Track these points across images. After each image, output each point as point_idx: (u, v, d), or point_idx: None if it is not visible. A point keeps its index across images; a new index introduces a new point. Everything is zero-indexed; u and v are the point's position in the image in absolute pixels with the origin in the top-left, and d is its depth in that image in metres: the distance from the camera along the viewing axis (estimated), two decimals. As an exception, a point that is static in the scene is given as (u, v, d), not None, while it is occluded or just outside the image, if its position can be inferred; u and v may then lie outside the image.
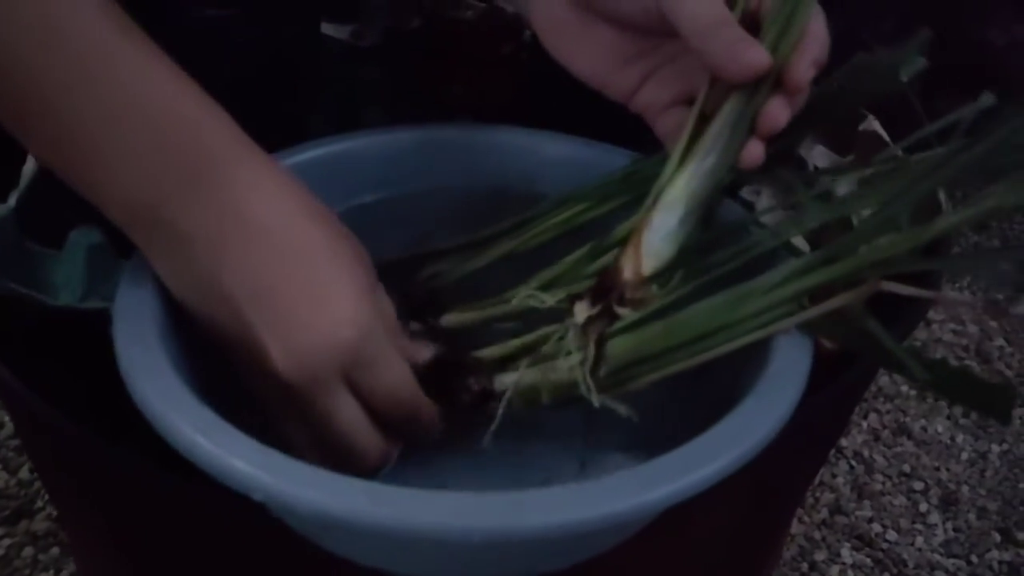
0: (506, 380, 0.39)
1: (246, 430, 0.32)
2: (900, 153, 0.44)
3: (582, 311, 0.38)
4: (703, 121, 0.39)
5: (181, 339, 0.37)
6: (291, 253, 0.36)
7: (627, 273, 0.38)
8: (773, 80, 0.38)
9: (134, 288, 0.37)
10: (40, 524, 0.96)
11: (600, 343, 0.37)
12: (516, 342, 0.40)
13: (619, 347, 0.38)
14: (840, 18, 0.46)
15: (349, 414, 0.37)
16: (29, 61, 0.33)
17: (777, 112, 0.38)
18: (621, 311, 0.38)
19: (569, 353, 0.38)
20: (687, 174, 0.38)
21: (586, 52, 0.43)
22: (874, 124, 0.50)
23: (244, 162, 0.36)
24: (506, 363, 0.39)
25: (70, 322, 0.44)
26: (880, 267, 0.36)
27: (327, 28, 0.53)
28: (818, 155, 0.51)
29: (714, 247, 0.42)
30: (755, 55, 0.36)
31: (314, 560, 0.37)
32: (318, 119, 0.52)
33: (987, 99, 0.37)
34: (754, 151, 0.38)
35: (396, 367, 0.38)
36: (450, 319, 0.42)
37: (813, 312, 0.37)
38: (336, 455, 0.38)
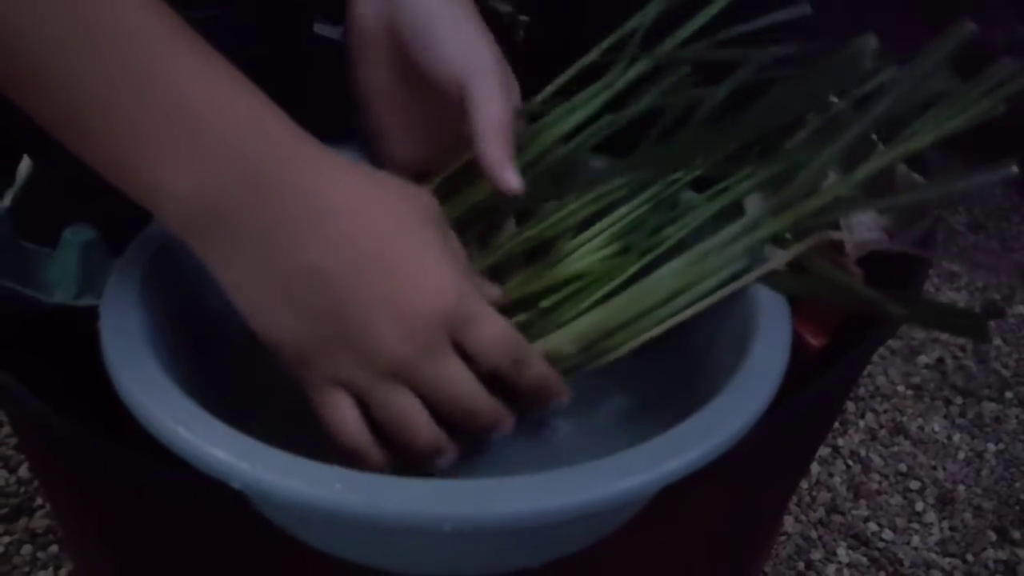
0: None
1: (228, 422, 0.32)
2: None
3: None
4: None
5: (167, 334, 0.37)
6: (377, 225, 0.36)
7: None
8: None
9: (122, 283, 0.38)
10: (39, 522, 0.97)
11: None
12: None
13: (589, 321, 0.39)
14: (837, 16, 0.47)
15: (462, 374, 0.37)
16: (77, 63, 0.32)
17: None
18: None
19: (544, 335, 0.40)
20: None
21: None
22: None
23: (306, 150, 0.36)
24: None
25: (65, 320, 0.44)
26: (823, 213, 0.39)
27: (320, 28, 0.54)
28: None
29: (667, 223, 0.44)
30: (517, 184, 0.41)
31: (297, 556, 0.37)
32: (309, 120, 0.53)
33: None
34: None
35: (494, 316, 0.38)
36: None
37: (770, 265, 0.39)
38: (451, 421, 0.38)
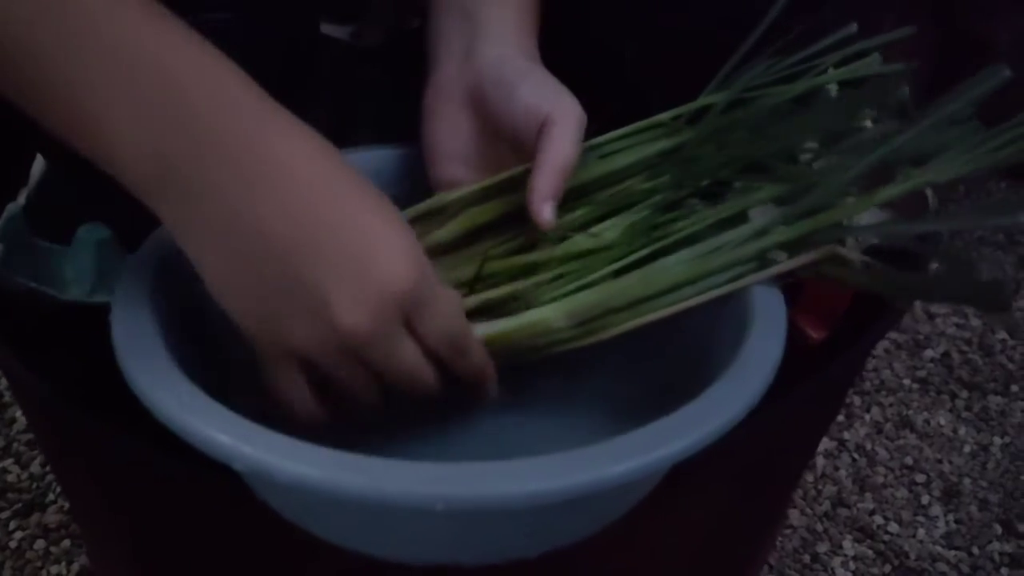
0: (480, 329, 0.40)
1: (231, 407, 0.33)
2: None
3: None
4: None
5: (176, 328, 0.38)
6: (340, 196, 0.35)
7: None
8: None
9: (134, 277, 0.39)
10: (52, 517, 0.98)
11: None
12: (490, 294, 0.42)
13: (587, 298, 0.40)
14: (841, 13, 0.47)
15: (412, 354, 0.37)
16: (35, 24, 0.31)
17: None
18: None
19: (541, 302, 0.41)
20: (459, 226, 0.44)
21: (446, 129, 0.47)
22: None
23: (266, 115, 0.35)
24: (481, 313, 0.41)
25: (79, 315, 0.45)
26: (833, 230, 0.40)
27: (326, 28, 0.54)
28: None
29: (683, 214, 0.45)
30: (549, 217, 0.42)
31: (301, 546, 0.38)
32: (317, 119, 0.53)
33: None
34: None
35: (452, 298, 0.38)
36: None
37: (776, 269, 0.41)
38: (395, 394, 0.38)
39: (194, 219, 0.35)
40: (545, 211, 0.42)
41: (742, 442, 0.37)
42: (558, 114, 0.43)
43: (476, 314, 0.41)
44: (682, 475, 0.38)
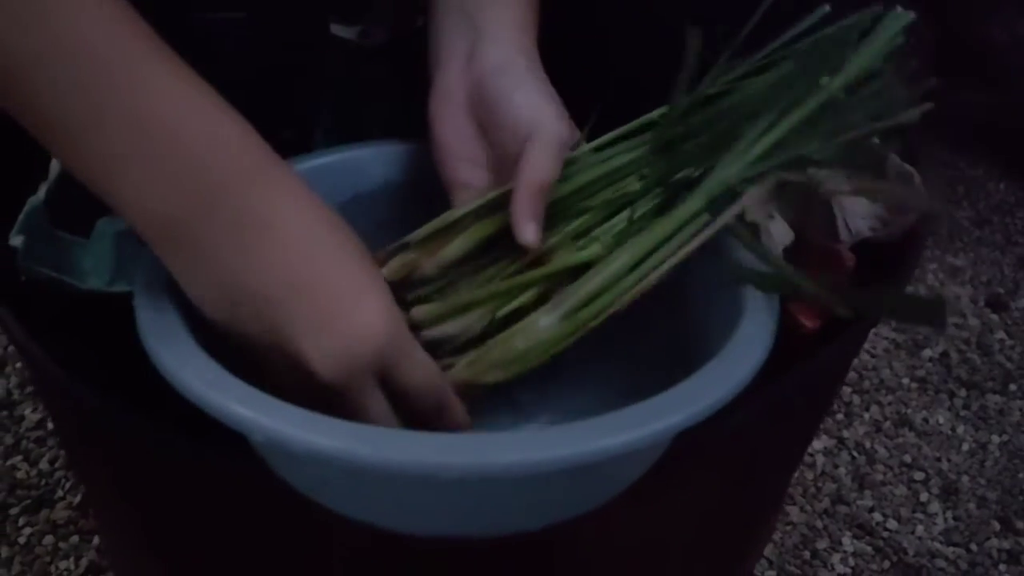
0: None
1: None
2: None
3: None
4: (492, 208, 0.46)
5: (194, 311, 0.40)
6: (319, 257, 0.37)
7: (426, 268, 0.45)
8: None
9: (153, 265, 0.40)
10: (61, 513, 0.98)
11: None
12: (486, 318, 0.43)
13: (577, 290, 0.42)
14: (838, 12, 0.48)
15: (378, 411, 0.39)
16: (49, 75, 0.33)
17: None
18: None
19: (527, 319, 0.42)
20: (468, 241, 0.45)
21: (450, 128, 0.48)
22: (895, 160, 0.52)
23: (266, 174, 0.37)
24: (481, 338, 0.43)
25: (99, 305, 0.46)
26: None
27: (335, 28, 0.56)
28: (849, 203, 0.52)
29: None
30: (532, 238, 0.43)
31: (318, 531, 0.39)
32: (325, 117, 0.55)
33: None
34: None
35: (425, 361, 0.40)
36: (419, 312, 0.44)
37: (732, 211, 0.42)
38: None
39: (194, 272, 0.37)
40: (528, 232, 0.43)
41: (737, 428, 0.39)
42: (539, 132, 0.44)
43: (483, 337, 0.43)
44: (678, 460, 0.39)
